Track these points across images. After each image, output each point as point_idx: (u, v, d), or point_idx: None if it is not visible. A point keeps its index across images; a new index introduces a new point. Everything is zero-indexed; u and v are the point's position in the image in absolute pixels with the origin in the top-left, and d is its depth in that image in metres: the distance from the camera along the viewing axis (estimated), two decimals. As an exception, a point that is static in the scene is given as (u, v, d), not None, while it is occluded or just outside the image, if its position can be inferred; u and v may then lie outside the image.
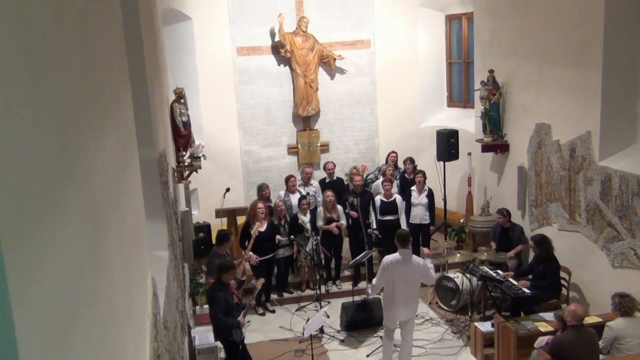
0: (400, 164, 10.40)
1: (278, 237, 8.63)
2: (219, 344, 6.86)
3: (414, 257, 6.84)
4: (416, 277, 6.86)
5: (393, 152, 10.56)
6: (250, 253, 8.23)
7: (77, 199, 1.55)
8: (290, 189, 9.52)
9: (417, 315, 8.33)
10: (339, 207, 9.17)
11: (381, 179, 9.90)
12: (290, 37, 10.79)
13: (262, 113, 11.13)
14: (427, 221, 9.37)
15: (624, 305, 5.97)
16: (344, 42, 11.21)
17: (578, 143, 7.65)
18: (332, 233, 9.03)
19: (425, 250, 7.53)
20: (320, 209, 9.24)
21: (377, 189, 9.75)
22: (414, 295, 6.91)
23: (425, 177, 9.49)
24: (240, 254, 8.59)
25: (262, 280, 7.23)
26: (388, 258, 6.82)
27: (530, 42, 8.50)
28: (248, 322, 6.73)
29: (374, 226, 9.08)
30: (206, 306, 7.94)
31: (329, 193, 9.10)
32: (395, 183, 9.85)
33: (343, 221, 9.14)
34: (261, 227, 8.36)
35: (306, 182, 9.89)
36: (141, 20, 4.44)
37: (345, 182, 10.23)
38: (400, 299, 6.82)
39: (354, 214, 8.97)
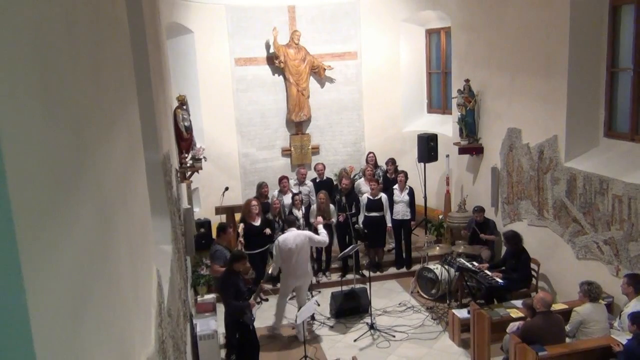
0: (381, 164, 10.45)
1: (267, 230, 8.57)
2: (218, 330, 6.85)
3: (299, 233, 7.55)
4: (304, 250, 7.47)
5: (370, 152, 10.61)
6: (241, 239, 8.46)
7: (88, 196, 1.55)
8: (282, 190, 9.49)
9: (399, 304, 8.41)
10: (331, 206, 9.15)
11: (362, 178, 9.96)
12: (283, 49, 10.78)
13: (258, 118, 11.11)
14: (409, 217, 9.38)
15: (592, 291, 6.01)
16: (333, 54, 11.21)
17: (546, 146, 7.69)
18: (324, 228, 9.01)
19: (315, 221, 8.05)
20: (313, 207, 9.24)
21: (358, 187, 9.79)
22: (304, 266, 7.52)
23: (406, 177, 9.51)
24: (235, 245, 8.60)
25: (273, 263, 7.72)
26: (279, 239, 7.45)
27: (503, 54, 8.54)
28: (259, 303, 6.74)
29: (360, 224, 9.07)
30: (207, 295, 7.93)
31: (322, 195, 9.05)
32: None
33: (334, 219, 9.14)
34: (255, 221, 8.41)
35: (301, 182, 9.89)
36: (147, 34, 4.42)
37: (335, 182, 10.23)
38: (293, 271, 7.43)
39: (341, 217, 8.98)
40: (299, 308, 7.13)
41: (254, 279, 8.09)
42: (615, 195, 6.51)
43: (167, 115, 6.75)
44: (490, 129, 9.11)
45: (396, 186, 9.43)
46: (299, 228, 8.87)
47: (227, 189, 9.41)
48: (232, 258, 6.49)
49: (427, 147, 9.88)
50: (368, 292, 8.10)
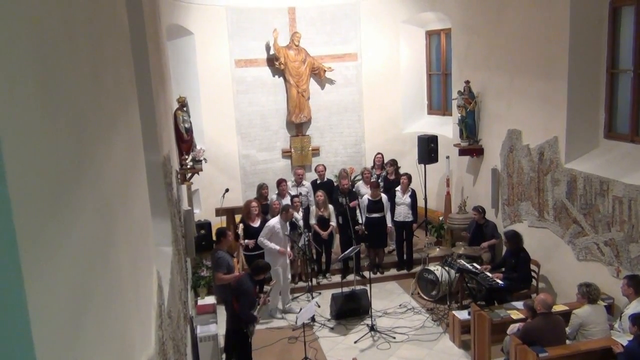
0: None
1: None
2: (219, 332, 6.84)
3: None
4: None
5: (379, 153, 10.58)
6: (247, 240, 8.38)
7: (88, 198, 1.54)
8: (281, 193, 9.46)
9: (399, 305, 8.41)
10: (330, 207, 9.17)
11: (362, 181, 9.98)
12: (284, 50, 10.79)
13: (258, 120, 11.12)
14: (410, 219, 9.37)
15: (591, 293, 6.01)
16: (333, 56, 11.22)
17: (546, 147, 7.69)
18: (324, 230, 9.05)
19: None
20: (313, 208, 9.24)
21: (357, 189, 9.81)
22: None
23: (410, 179, 9.50)
24: (237, 248, 8.58)
25: (275, 281, 7.77)
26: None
27: (503, 55, 8.55)
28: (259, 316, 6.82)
29: (361, 221, 9.08)
30: (207, 297, 7.91)
31: (320, 193, 9.13)
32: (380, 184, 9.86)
33: (333, 221, 9.14)
34: (254, 223, 8.43)
35: (299, 183, 9.88)
36: (147, 35, 4.42)
37: (335, 183, 10.23)
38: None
39: (354, 203, 9.05)
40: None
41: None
42: (616, 197, 6.50)
43: (168, 117, 6.75)
44: (490, 131, 9.11)
45: (399, 188, 9.43)
46: (299, 230, 8.89)
47: (227, 190, 9.41)
48: (259, 269, 6.63)
49: (428, 148, 9.87)
50: (368, 293, 8.09)
